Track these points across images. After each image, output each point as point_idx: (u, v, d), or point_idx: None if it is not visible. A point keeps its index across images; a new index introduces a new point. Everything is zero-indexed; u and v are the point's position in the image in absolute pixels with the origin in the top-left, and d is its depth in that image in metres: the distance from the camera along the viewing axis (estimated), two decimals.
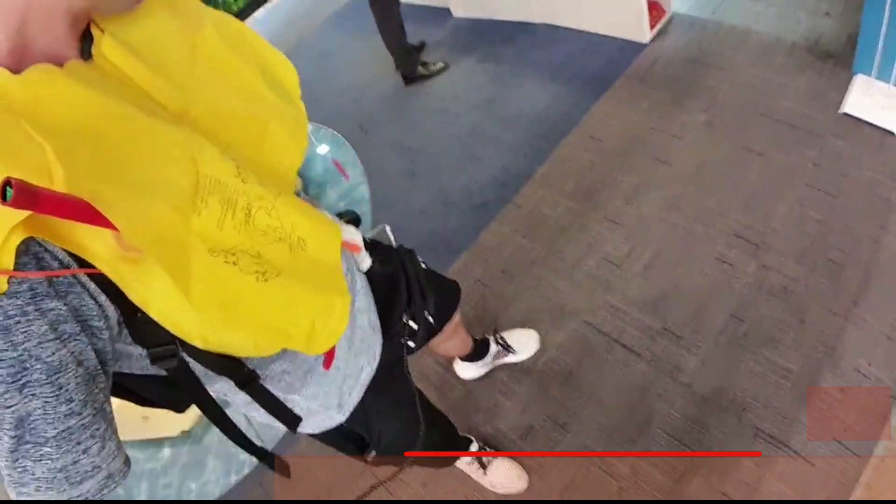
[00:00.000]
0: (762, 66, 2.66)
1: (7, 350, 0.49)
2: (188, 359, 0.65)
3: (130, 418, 0.71)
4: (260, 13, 6.13)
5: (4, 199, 0.43)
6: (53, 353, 0.51)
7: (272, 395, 0.80)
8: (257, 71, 0.77)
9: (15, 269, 0.48)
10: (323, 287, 0.73)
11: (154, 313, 0.56)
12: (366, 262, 1.02)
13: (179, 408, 0.82)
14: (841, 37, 2.59)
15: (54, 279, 0.52)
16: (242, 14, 6.24)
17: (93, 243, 0.52)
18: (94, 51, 0.61)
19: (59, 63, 0.56)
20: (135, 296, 0.55)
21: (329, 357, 0.87)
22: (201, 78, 0.70)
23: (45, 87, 0.54)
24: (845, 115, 2.28)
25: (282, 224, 0.69)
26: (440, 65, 3.52)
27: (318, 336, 0.72)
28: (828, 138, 2.26)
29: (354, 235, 0.97)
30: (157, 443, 1.35)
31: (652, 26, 2.98)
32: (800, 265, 1.94)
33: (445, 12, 3.96)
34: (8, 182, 0.44)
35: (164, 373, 0.64)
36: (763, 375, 1.73)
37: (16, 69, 0.53)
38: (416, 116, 3.37)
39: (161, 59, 0.66)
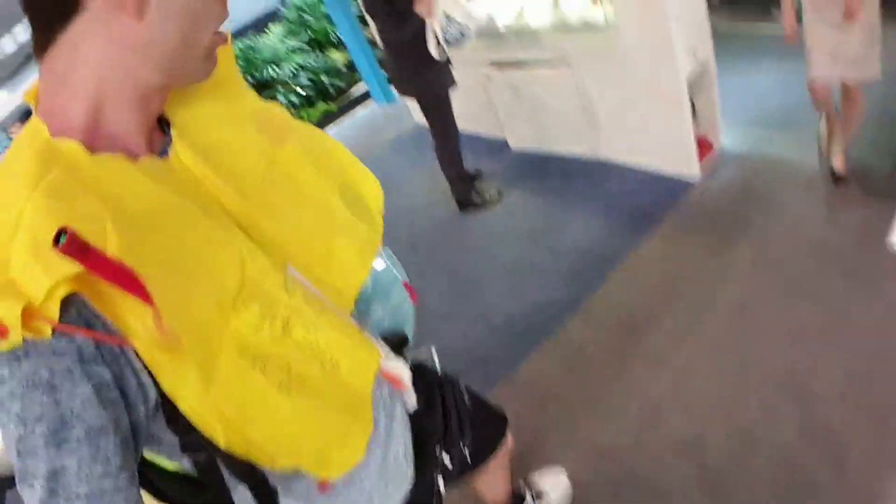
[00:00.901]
0: (809, 199, 2.81)
1: (51, 407, 0.52)
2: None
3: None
4: (328, 131, 6.80)
5: (57, 243, 0.49)
6: (96, 416, 0.54)
7: None
8: (336, 187, 0.83)
9: (64, 324, 0.52)
10: (345, 413, 0.76)
11: (183, 406, 0.59)
12: (411, 400, 1.03)
13: None
14: (887, 165, 2.73)
15: (102, 346, 0.55)
16: None
17: (134, 321, 0.55)
18: (170, 151, 0.68)
19: (130, 152, 0.63)
20: (167, 385, 0.58)
21: (323, 483, 0.85)
22: (274, 191, 0.75)
23: (115, 172, 0.59)
24: (894, 248, 2.36)
25: (318, 341, 0.70)
26: (494, 193, 3.84)
27: (332, 460, 0.75)
28: (875, 274, 2.34)
29: (401, 370, 0.96)
30: None
31: (700, 162, 3.20)
32: (844, 412, 1.97)
33: (503, 144, 4.37)
34: (63, 230, 0.49)
35: (191, 468, 0.68)
36: None
37: (88, 147, 0.58)
38: (467, 241, 3.66)
39: (234, 168, 0.71)
